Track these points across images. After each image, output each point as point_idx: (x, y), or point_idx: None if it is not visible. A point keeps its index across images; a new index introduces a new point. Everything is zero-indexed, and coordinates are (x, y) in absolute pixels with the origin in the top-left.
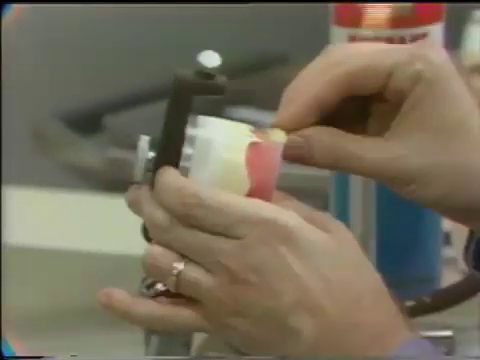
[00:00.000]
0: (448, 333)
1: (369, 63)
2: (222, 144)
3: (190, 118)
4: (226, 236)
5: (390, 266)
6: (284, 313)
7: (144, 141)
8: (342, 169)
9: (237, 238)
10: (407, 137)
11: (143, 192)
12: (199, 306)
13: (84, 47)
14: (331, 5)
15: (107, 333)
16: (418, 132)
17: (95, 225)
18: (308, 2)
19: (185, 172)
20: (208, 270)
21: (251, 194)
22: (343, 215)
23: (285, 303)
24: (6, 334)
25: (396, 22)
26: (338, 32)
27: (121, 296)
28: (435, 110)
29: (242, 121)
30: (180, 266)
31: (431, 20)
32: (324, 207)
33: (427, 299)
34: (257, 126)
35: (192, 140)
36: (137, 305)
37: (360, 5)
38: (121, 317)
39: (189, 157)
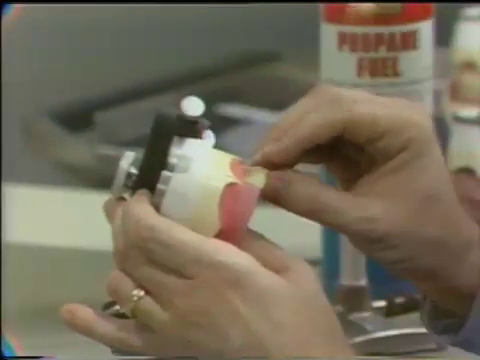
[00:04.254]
0: None
1: (374, 117)
2: (199, 181)
3: (177, 139)
4: (179, 274)
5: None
6: (232, 355)
7: (127, 157)
8: (316, 220)
9: (189, 278)
10: (382, 198)
11: (116, 208)
12: (153, 335)
13: (78, 46)
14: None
15: None
16: (393, 195)
17: (87, 222)
18: (298, 1)
19: (161, 194)
20: (162, 305)
21: (220, 235)
22: None
23: (233, 346)
24: (5, 332)
25: (385, 19)
26: (328, 29)
27: (85, 314)
28: (416, 177)
29: (232, 118)
30: (140, 293)
31: (420, 17)
32: None
33: (418, 295)
34: (242, 157)
35: (173, 166)
36: (99, 324)
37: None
38: (84, 334)
39: (167, 180)
